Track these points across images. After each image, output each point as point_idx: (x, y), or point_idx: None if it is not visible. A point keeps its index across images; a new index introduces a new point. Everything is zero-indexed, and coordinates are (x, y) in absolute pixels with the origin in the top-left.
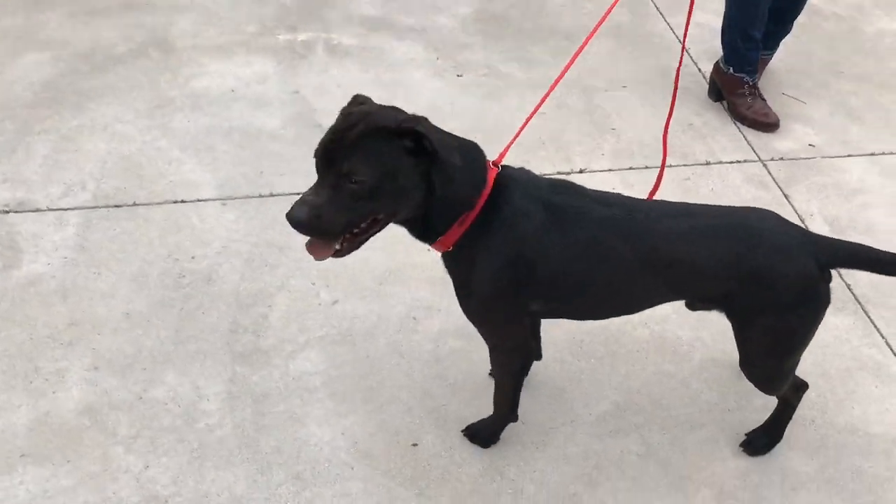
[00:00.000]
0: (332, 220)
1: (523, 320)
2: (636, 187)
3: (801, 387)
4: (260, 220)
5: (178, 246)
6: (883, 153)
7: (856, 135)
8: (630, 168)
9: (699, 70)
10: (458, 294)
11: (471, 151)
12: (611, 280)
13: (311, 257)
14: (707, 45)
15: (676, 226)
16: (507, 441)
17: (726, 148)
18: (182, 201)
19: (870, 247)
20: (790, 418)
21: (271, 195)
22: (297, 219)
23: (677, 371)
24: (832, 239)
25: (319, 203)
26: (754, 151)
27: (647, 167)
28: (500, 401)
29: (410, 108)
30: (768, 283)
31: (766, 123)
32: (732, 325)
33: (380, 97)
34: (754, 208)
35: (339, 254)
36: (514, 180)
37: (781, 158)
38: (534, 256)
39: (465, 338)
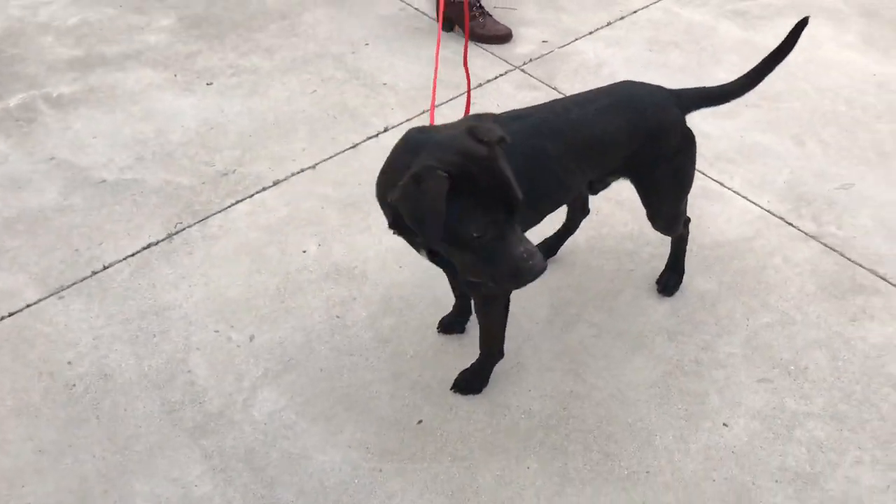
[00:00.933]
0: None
1: None
2: None
3: (688, 221)
4: (112, 296)
5: (43, 359)
6: (595, 30)
7: (568, 22)
8: (423, 112)
9: (417, 10)
10: (460, 269)
11: None
12: (552, 180)
13: None
14: None
15: (585, 113)
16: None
17: (485, 67)
18: (11, 314)
19: (709, 87)
20: (685, 252)
21: (105, 268)
22: (545, 267)
23: (576, 259)
24: (683, 89)
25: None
26: (508, 63)
27: (436, 106)
28: (491, 344)
29: (183, 132)
30: (661, 136)
31: (503, 35)
32: (638, 184)
33: (142, 132)
34: (623, 81)
35: None
36: None
37: (531, 60)
38: None
39: (395, 312)
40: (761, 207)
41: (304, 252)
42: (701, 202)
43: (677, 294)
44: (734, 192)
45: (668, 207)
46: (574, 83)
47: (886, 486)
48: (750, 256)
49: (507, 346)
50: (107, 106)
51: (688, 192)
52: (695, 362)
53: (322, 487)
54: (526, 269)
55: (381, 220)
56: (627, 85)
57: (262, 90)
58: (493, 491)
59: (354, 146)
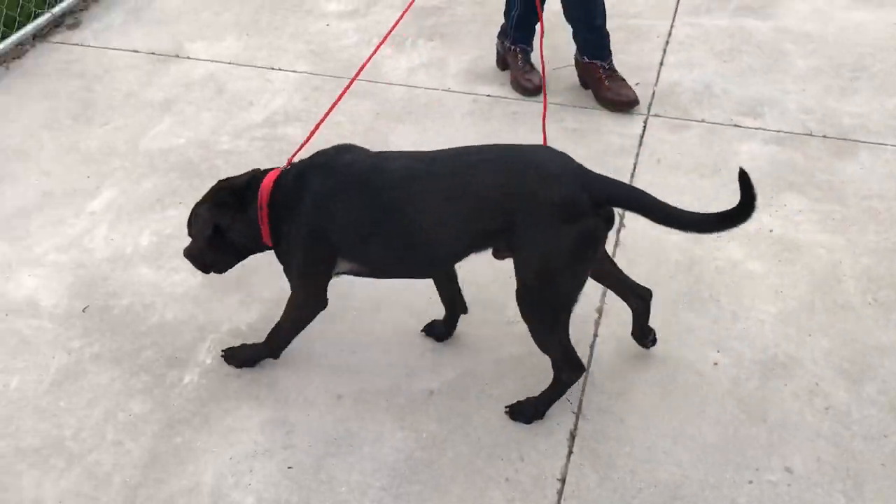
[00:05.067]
0: (200, 263)
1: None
2: None
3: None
4: None
5: None
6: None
7: (645, 57)
8: None
9: None
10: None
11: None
12: (404, 226)
13: None
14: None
15: (456, 162)
16: None
17: (626, 125)
18: None
19: (643, 192)
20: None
21: None
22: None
23: None
24: (608, 178)
25: (189, 250)
26: (637, 113)
27: None
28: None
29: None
30: (534, 205)
31: (627, 101)
32: (513, 257)
33: None
34: (536, 145)
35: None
36: (293, 171)
37: (651, 103)
38: (323, 223)
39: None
40: None
41: None
42: None
43: None
44: None
45: (533, 294)
46: (707, 106)
47: None
48: None
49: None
50: None
51: (561, 290)
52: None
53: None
54: None
55: None
56: (534, 148)
57: None
58: None
59: None
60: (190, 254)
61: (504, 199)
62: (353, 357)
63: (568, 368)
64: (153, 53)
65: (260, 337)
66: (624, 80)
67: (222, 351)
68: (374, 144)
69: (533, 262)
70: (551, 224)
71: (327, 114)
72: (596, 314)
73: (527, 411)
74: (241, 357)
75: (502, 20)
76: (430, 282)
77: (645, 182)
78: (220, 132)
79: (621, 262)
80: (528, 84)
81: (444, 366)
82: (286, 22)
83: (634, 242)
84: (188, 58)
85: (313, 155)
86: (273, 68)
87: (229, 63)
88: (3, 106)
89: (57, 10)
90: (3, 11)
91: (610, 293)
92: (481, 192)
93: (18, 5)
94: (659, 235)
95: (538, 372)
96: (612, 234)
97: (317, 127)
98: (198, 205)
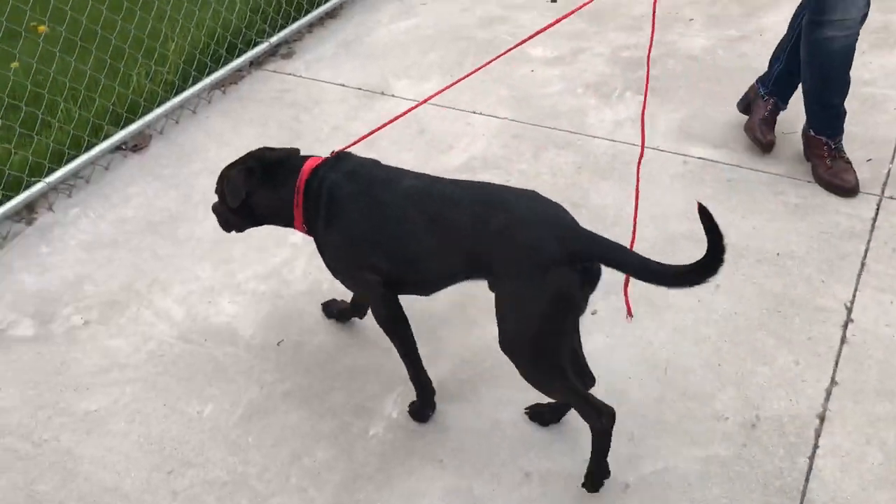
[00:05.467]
0: (223, 221)
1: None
2: None
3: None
4: None
5: None
6: None
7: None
8: None
9: None
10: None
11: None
12: (404, 238)
13: None
14: None
15: (444, 190)
16: None
17: (856, 205)
18: None
19: (624, 248)
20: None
21: None
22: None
23: None
24: (591, 233)
25: (216, 207)
26: (869, 193)
27: None
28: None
29: None
30: (505, 247)
31: (846, 188)
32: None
33: None
34: (526, 190)
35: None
36: (327, 165)
37: (885, 182)
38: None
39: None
40: None
41: None
42: None
43: None
44: None
45: (511, 340)
46: None
47: None
48: None
49: None
50: None
51: (538, 337)
52: None
53: None
54: None
55: None
56: (525, 192)
57: None
58: None
59: None
60: (217, 211)
61: (476, 237)
62: (542, 431)
63: (593, 413)
64: (360, 88)
65: (443, 394)
66: (849, 163)
67: (409, 405)
68: (575, 200)
69: (503, 304)
70: (520, 267)
71: (383, 126)
72: (817, 420)
73: None
74: (422, 413)
75: (718, 78)
76: (627, 361)
77: (878, 273)
78: None
79: (850, 361)
80: (763, 138)
81: (641, 458)
82: (491, 65)
83: (864, 341)
84: (393, 95)
85: (345, 157)
86: (474, 112)
87: (432, 104)
88: (219, 129)
89: (274, 39)
90: (227, 38)
91: (835, 397)
92: (455, 225)
93: (241, 33)
94: (895, 335)
95: (748, 479)
96: (837, 330)
97: (373, 132)
98: (230, 167)
